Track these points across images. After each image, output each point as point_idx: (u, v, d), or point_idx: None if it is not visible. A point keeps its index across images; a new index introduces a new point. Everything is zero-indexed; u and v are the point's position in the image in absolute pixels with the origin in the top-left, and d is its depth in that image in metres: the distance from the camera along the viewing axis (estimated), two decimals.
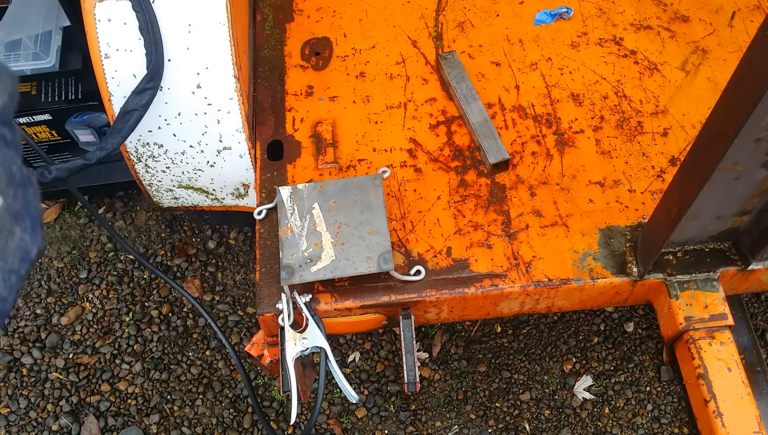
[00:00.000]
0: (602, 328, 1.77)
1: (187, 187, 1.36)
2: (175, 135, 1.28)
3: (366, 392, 1.72)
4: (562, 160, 1.29)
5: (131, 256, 1.89)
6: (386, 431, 1.69)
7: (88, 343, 1.80)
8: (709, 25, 1.45)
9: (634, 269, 1.16)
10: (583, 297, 1.21)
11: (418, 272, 1.18)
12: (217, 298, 1.85)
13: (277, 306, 1.15)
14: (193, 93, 1.24)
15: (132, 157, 1.32)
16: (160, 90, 1.23)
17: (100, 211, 1.98)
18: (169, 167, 1.33)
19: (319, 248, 1.14)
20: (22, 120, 1.63)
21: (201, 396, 1.73)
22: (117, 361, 1.78)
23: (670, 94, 1.37)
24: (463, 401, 1.71)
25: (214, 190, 1.38)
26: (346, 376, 1.66)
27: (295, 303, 1.14)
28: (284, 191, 1.21)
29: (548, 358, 1.74)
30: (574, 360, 1.73)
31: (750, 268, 1.14)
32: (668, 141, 1.31)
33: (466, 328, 1.79)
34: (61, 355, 1.78)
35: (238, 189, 1.38)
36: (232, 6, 1.25)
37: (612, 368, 1.72)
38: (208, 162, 1.31)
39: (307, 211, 1.18)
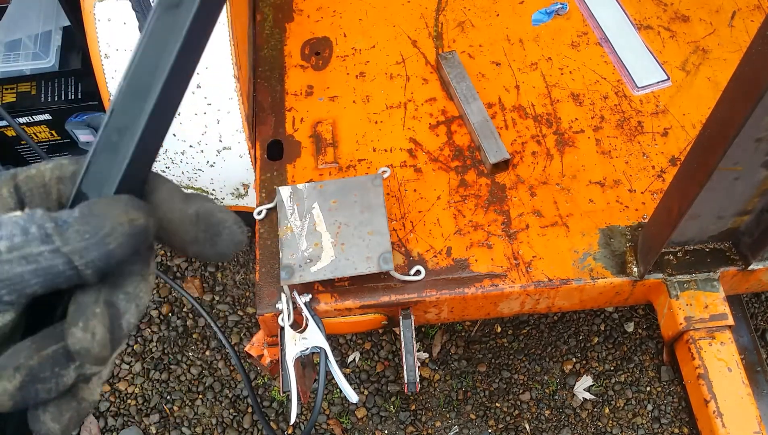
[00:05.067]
0: (602, 328, 1.77)
1: (187, 187, 1.36)
2: (174, 135, 1.28)
3: (366, 392, 1.72)
4: (563, 160, 1.29)
5: None
6: (386, 431, 1.69)
7: None
8: (709, 25, 1.45)
9: (635, 269, 1.16)
10: (583, 297, 1.21)
11: (418, 272, 1.18)
12: (217, 298, 1.85)
13: (277, 306, 1.15)
14: (193, 93, 1.24)
15: None
16: None
17: None
18: (168, 167, 1.33)
19: (319, 248, 1.14)
20: (21, 120, 1.63)
21: (201, 396, 1.73)
22: (117, 361, 1.78)
23: (671, 94, 1.37)
24: (463, 401, 1.70)
25: (213, 190, 1.38)
26: (346, 376, 1.66)
27: (295, 303, 1.14)
28: (284, 191, 1.21)
29: (548, 358, 1.74)
30: (574, 360, 1.73)
31: (750, 268, 1.14)
32: (668, 141, 1.31)
33: (466, 328, 1.79)
34: None
35: (237, 189, 1.38)
36: (232, 6, 1.25)
37: (612, 368, 1.72)
38: (207, 162, 1.31)
39: (307, 211, 1.18)
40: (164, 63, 0.33)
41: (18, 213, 0.31)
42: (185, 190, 0.36)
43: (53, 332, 0.33)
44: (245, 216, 1.39)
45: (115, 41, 1.21)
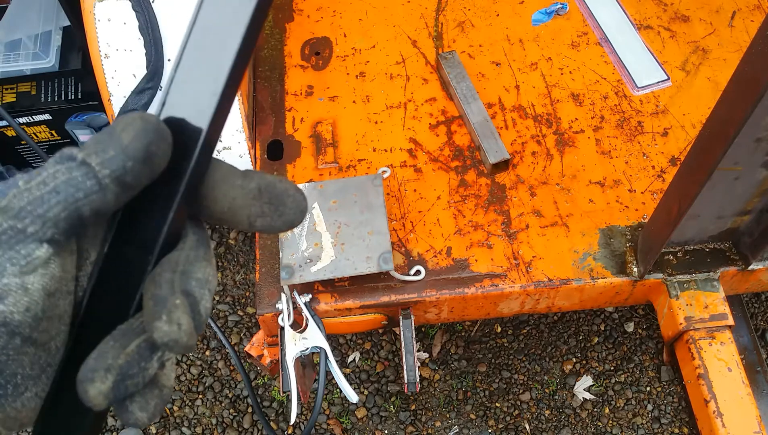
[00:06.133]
0: (602, 328, 1.77)
1: None
2: None
3: (366, 392, 1.72)
4: (562, 160, 1.29)
5: None
6: (386, 431, 1.69)
7: None
8: (709, 25, 1.45)
9: (634, 269, 1.16)
10: (583, 297, 1.21)
11: (418, 272, 1.18)
12: (217, 298, 1.85)
13: (277, 306, 1.15)
14: None
15: None
16: (160, 90, 1.23)
17: None
18: None
19: (319, 248, 1.14)
20: (21, 120, 1.63)
21: (201, 396, 1.74)
22: None
23: (671, 94, 1.37)
24: (463, 401, 1.71)
25: None
26: (346, 376, 1.66)
27: (295, 303, 1.14)
28: None
29: (548, 358, 1.74)
30: (574, 360, 1.73)
31: (750, 268, 1.14)
32: (668, 141, 1.31)
33: (466, 328, 1.79)
34: None
35: None
36: None
37: (612, 368, 1.72)
38: None
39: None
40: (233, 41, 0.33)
41: None
42: None
43: (130, 328, 0.33)
44: None
45: (115, 41, 1.21)
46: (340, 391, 1.38)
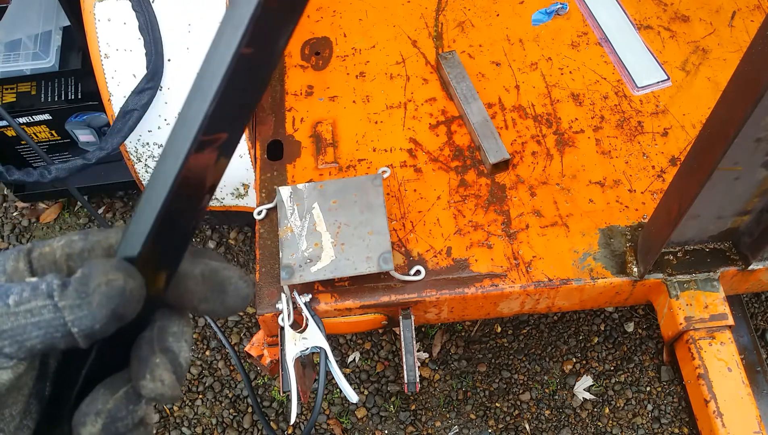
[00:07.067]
0: (602, 328, 1.77)
1: None
2: None
3: (366, 392, 1.72)
4: (562, 160, 1.29)
5: None
6: (386, 431, 1.69)
7: None
8: (709, 25, 1.45)
9: (634, 269, 1.16)
10: (583, 297, 1.21)
11: (418, 272, 1.18)
12: None
13: (277, 306, 1.15)
14: None
15: (132, 157, 1.32)
16: (160, 90, 1.23)
17: (100, 211, 1.98)
18: None
19: (319, 248, 1.14)
20: (21, 120, 1.63)
21: (201, 396, 1.74)
22: None
23: (671, 94, 1.37)
24: (463, 401, 1.71)
25: None
26: (346, 376, 1.66)
27: (295, 303, 1.14)
28: (284, 191, 1.21)
29: (548, 358, 1.74)
30: (574, 360, 1.73)
31: (750, 268, 1.14)
32: (668, 141, 1.31)
33: (466, 328, 1.79)
34: None
35: (237, 189, 1.38)
36: None
37: (612, 368, 1.72)
38: None
39: (307, 211, 1.18)
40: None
41: (34, 278, 0.34)
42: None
43: (121, 377, 0.36)
44: (245, 216, 1.39)
45: (115, 41, 1.21)
46: (340, 391, 1.38)
